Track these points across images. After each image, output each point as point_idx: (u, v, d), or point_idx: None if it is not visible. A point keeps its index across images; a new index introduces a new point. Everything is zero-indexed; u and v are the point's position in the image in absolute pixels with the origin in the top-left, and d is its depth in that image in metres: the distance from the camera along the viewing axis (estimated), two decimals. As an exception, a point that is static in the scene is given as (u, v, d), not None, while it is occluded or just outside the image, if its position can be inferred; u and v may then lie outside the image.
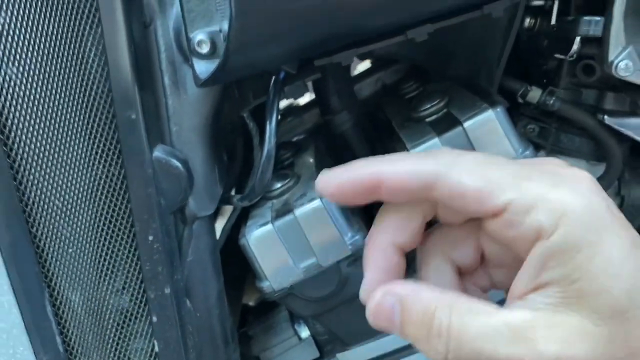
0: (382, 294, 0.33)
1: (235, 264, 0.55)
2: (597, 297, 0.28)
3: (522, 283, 0.31)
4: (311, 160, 0.58)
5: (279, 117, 0.78)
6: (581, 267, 0.28)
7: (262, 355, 0.62)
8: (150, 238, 0.42)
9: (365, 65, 0.81)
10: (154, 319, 0.44)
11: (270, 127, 0.44)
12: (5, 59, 0.35)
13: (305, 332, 0.61)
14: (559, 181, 0.30)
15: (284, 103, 0.88)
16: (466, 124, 0.45)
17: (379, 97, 0.67)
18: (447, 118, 0.48)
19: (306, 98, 0.75)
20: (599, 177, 0.56)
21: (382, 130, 0.61)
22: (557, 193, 0.29)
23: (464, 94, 0.51)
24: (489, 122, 0.45)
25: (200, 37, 0.40)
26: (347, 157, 0.63)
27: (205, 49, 0.40)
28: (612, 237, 0.29)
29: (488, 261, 0.37)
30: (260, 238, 0.49)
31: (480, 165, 0.31)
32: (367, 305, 0.33)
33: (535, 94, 0.53)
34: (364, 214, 0.54)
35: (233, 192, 0.63)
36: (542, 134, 0.57)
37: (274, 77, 0.44)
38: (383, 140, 0.56)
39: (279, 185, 0.53)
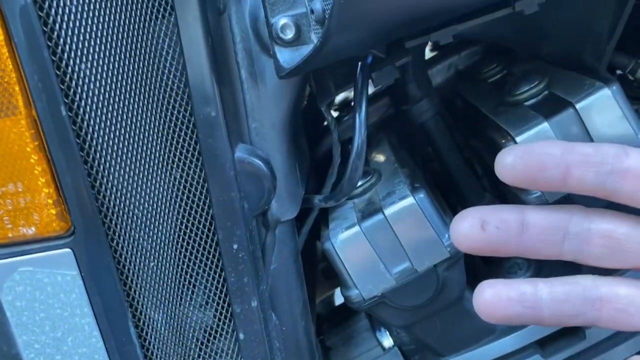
0: None
1: (305, 270, 0.50)
2: None
3: None
4: (389, 155, 0.53)
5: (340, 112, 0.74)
6: None
7: (343, 368, 0.57)
8: (235, 246, 0.38)
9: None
10: (241, 335, 0.40)
11: (360, 119, 0.39)
12: (78, 56, 0.31)
13: (388, 341, 0.57)
14: None
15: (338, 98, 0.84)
16: (579, 105, 0.40)
17: (453, 84, 0.62)
18: (551, 100, 0.43)
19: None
20: None
21: (463, 119, 0.56)
22: None
23: (565, 73, 0.45)
24: (605, 101, 0.40)
25: (283, 21, 0.36)
26: (427, 149, 0.58)
27: (289, 34, 0.36)
28: None
29: None
30: (347, 241, 0.44)
31: None
32: None
33: (646, 70, 0.47)
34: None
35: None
36: (646, 115, 0.51)
37: (360, 63, 0.40)
38: (474, 129, 0.51)
39: (360, 183, 0.48)
